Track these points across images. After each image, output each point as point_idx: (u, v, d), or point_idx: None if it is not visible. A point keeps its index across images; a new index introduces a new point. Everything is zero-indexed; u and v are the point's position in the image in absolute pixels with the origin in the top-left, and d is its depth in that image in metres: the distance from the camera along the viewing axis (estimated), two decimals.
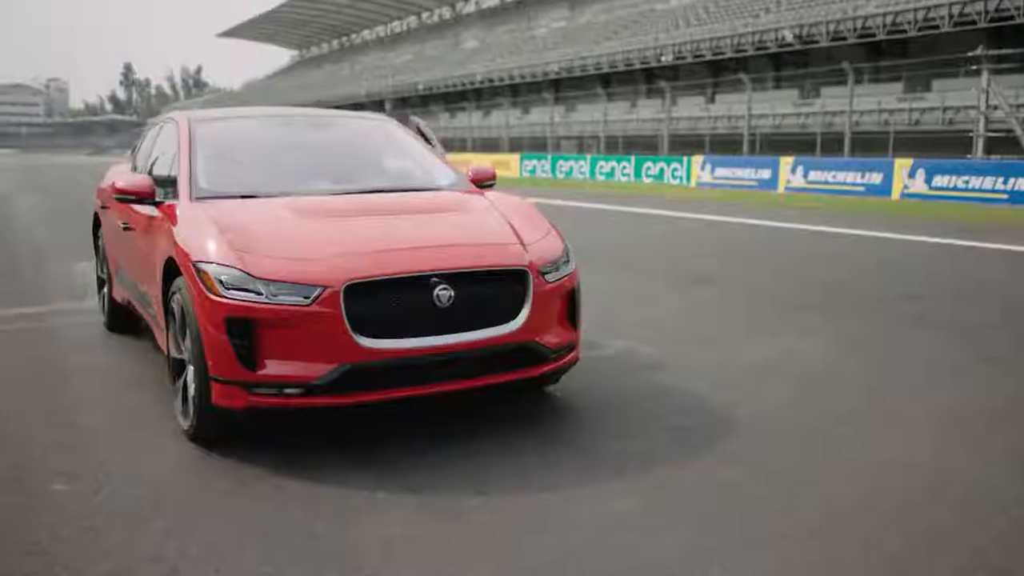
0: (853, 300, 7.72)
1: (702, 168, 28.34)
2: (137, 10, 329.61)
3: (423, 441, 4.08)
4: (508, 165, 37.00)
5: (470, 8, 69.83)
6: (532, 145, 43.99)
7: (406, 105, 58.44)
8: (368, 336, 3.72)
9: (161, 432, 4.16)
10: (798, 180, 24.84)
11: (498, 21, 63.95)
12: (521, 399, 4.69)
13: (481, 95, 54.68)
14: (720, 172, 27.65)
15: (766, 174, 25.97)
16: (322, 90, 73.17)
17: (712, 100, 38.06)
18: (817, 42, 33.12)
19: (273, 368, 3.69)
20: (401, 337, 3.78)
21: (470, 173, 5.30)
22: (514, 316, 4.03)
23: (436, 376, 3.91)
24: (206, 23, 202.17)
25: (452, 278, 3.87)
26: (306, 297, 3.69)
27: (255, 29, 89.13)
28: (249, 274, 3.74)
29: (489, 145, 48.04)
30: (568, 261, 4.40)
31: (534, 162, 36.40)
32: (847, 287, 8.49)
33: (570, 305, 4.36)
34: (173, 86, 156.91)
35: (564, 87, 47.77)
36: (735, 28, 37.25)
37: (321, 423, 4.22)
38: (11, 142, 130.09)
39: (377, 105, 63.63)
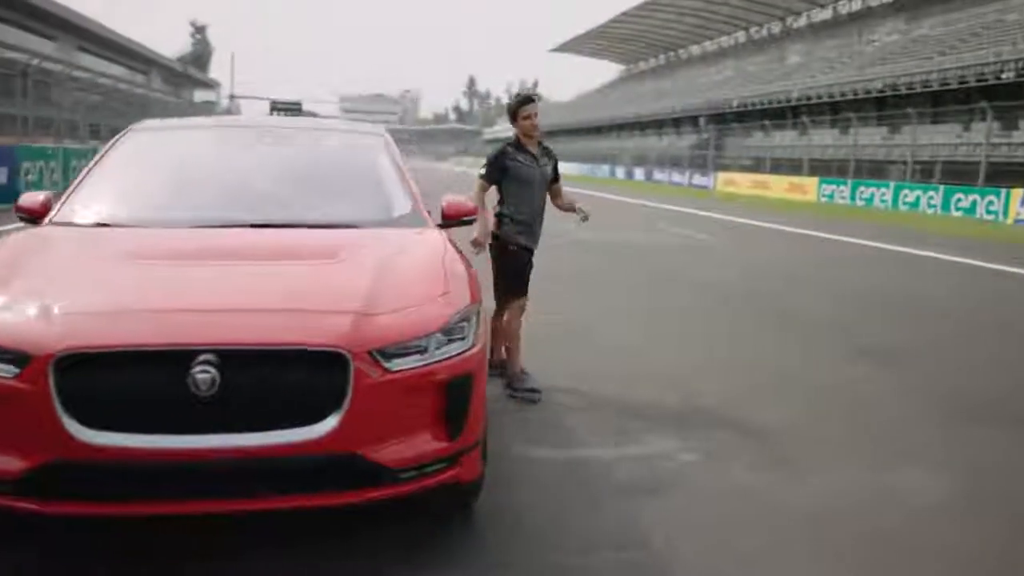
0: None
1: (1023, 204, 24.36)
2: (483, 26, 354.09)
3: None
4: (805, 189, 34.40)
5: (801, 22, 66.35)
6: (840, 169, 40.55)
7: (722, 121, 56.75)
8: (90, 427, 2.83)
9: None
10: None
11: (827, 35, 60.15)
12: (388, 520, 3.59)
13: (797, 113, 51.55)
14: None
15: None
16: (642, 104, 73.26)
17: None
18: None
19: None
20: (138, 432, 2.84)
21: (443, 205, 4.49)
22: (323, 416, 2.95)
23: (187, 491, 2.95)
24: (545, 39, 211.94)
25: (225, 357, 2.86)
26: (15, 366, 2.84)
27: (585, 44, 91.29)
28: None
29: (797, 167, 44.89)
30: (461, 339, 3.25)
31: (833, 187, 33.46)
32: None
33: (450, 403, 3.19)
34: (511, 98, 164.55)
35: (889, 106, 43.63)
36: None
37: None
38: None
39: (691, 121, 62.66)
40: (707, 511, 3.91)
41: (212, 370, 2.83)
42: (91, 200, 4.22)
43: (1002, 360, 7.21)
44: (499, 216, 5.80)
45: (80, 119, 33.25)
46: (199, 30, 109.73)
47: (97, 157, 4.55)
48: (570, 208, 6.19)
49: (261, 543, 3.44)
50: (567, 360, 6.50)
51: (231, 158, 4.84)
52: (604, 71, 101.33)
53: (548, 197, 6.02)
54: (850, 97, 45.89)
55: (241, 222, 4.05)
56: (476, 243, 5.53)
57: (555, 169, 5.97)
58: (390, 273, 3.48)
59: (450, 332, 3.25)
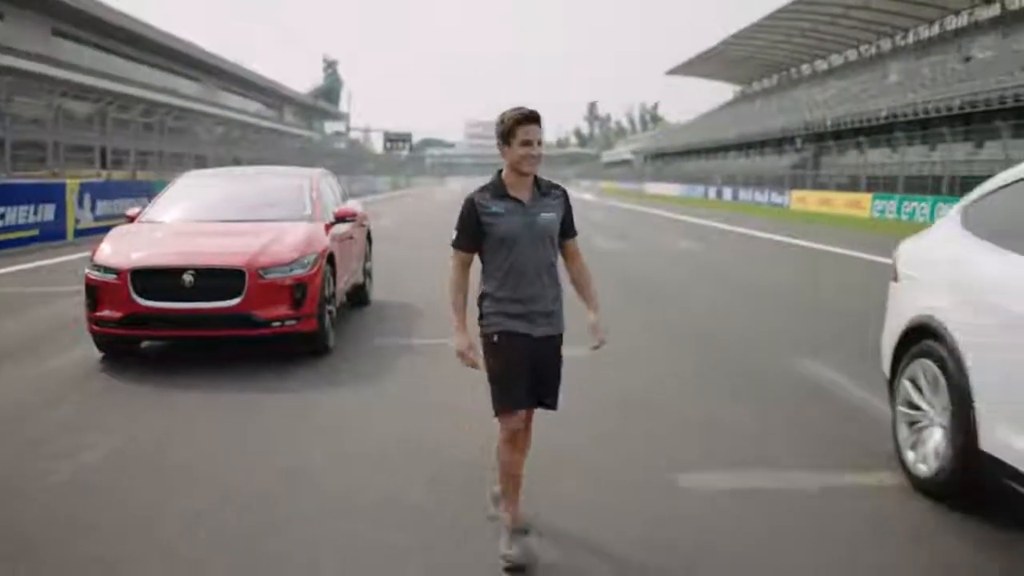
0: None
1: None
2: (604, 53, 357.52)
3: None
4: (861, 205, 36.10)
5: (909, 39, 66.36)
6: (915, 187, 41.14)
7: (819, 140, 57.80)
8: (145, 298, 7.16)
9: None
10: None
11: (928, 52, 60.23)
12: None
13: (890, 130, 52.14)
14: None
15: None
16: (747, 125, 74.51)
17: None
18: None
19: (100, 311, 7.31)
20: (165, 301, 7.16)
21: (336, 210, 8.64)
22: (235, 297, 7.18)
23: (184, 326, 7.32)
24: (664, 61, 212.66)
25: (196, 270, 7.19)
26: (115, 275, 7.26)
27: (700, 66, 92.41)
28: (93, 261, 7.49)
29: (890, 185, 44.53)
30: (304, 267, 7.45)
31: (884, 203, 35.03)
32: None
33: (295, 293, 7.36)
34: (631, 121, 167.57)
35: (976, 121, 43.97)
36: None
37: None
38: (488, 172, 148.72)
39: (789, 141, 63.43)
40: None
41: (192, 275, 7.17)
42: (155, 212, 8.73)
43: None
44: (480, 300, 4.03)
45: (224, 152, 38.79)
46: (330, 65, 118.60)
47: (162, 191, 9.31)
48: (585, 293, 4.18)
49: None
50: None
51: (221, 189, 9.58)
52: (724, 92, 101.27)
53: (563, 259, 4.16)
54: (933, 115, 46.48)
55: (219, 219, 8.44)
56: (462, 357, 3.96)
57: (567, 215, 4.10)
58: (276, 240, 7.67)
59: (296, 264, 7.44)
